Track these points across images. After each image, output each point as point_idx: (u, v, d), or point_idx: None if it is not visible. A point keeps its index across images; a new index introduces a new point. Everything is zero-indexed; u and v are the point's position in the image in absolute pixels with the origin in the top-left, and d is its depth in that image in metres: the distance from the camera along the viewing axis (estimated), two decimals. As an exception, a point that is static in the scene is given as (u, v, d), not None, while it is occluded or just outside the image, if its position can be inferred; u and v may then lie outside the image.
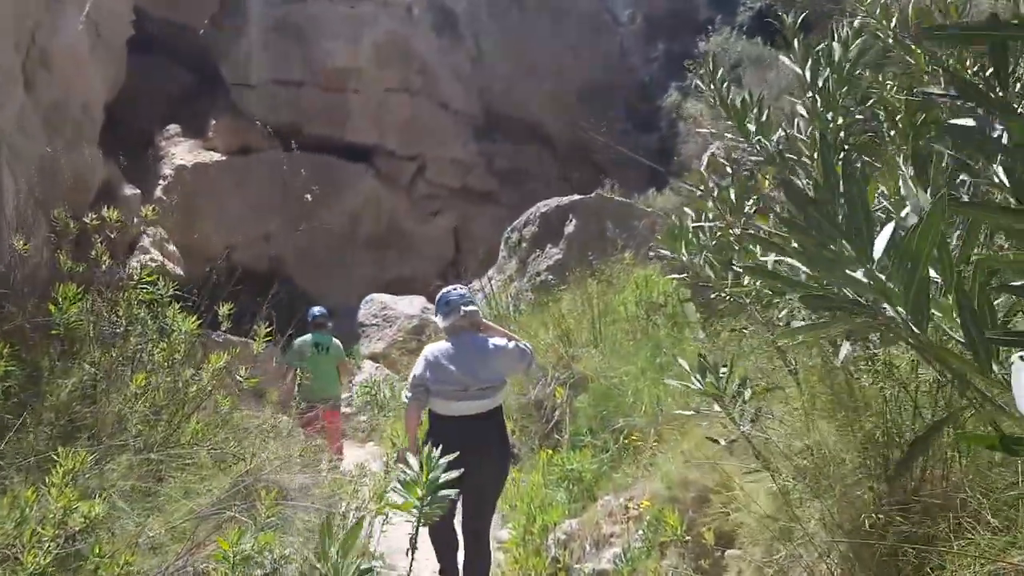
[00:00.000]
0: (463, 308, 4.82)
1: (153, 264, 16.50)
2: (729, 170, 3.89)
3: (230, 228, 18.15)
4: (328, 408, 8.75)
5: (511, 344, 4.78)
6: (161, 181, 18.38)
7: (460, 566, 4.70)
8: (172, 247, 17.54)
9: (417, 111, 20.28)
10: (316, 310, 9.44)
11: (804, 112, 3.14)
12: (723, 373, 2.91)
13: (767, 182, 2.85)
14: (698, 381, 2.84)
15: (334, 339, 9.20)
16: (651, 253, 7.07)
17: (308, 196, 18.77)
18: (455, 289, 5.05)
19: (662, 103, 20.93)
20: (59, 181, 11.22)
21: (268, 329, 5.22)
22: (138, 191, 17.34)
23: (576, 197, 9.82)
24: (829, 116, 3.08)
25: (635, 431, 5.29)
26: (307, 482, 4.25)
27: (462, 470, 2.98)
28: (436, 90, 20.52)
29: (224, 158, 18.78)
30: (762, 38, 17.57)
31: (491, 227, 18.41)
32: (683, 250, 3.26)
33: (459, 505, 4.67)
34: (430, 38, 20.50)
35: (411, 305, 14.11)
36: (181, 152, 18.96)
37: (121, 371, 4.15)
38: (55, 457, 3.02)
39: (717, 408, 2.94)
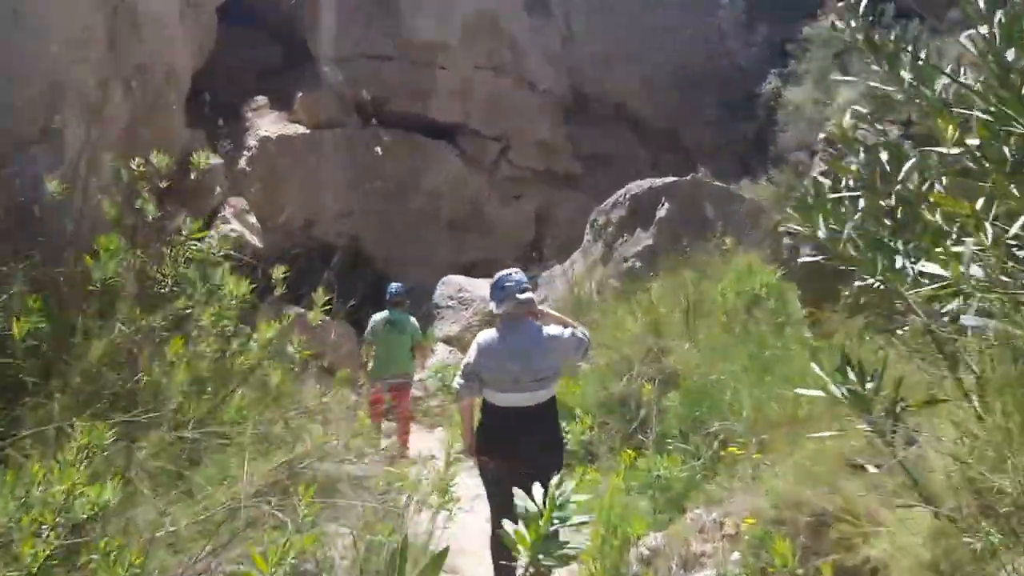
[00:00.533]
0: (518, 296, 4.62)
1: (233, 235, 16.45)
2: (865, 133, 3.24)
3: (312, 203, 18.00)
4: (397, 386, 8.53)
5: (567, 332, 4.66)
6: (245, 152, 18.29)
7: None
8: (253, 219, 17.45)
9: (504, 90, 19.79)
10: (394, 286, 9.21)
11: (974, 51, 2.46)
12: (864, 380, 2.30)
13: (949, 129, 2.18)
14: (839, 387, 2.24)
15: (411, 318, 8.97)
16: (775, 230, 6.39)
17: (390, 172, 18.51)
18: (512, 274, 4.79)
19: (760, 90, 19.91)
20: (138, 146, 11.09)
21: (329, 300, 4.67)
22: (221, 161, 17.31)
23: (670, 179, 9.16)
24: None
25: (733, 437, 4.68)
26: (360, 472, 3.78)
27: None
28: (524, 69, 19.98)
29: (308, 131, 18.61)
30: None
31: (574, 213, 17.82)
32: (820, 224, 2.64)
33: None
34: (520, 15, 19.96)
35: (487, 288, 13.65)
36: (266, 124, 18.87)
37: (163, 335, 3.73)
38: (69, 430, 2.61)
39: (864, 425, 2.32)
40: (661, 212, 8.63)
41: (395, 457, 9.14)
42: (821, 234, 2.43)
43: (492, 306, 4.87)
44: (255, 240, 16.79)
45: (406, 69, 19.06)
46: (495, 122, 19.67)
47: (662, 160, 18.96)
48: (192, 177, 6.16)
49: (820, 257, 2.75)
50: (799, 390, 2.49)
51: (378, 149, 18.69)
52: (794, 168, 17.29)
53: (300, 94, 19.33)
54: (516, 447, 4.36)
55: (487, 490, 4.69)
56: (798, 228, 2.60)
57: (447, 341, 12.77)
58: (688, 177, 9.12)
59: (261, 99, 19.56)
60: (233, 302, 3.97)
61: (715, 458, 4.62)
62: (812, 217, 2.53)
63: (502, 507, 4.28)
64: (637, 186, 9.23)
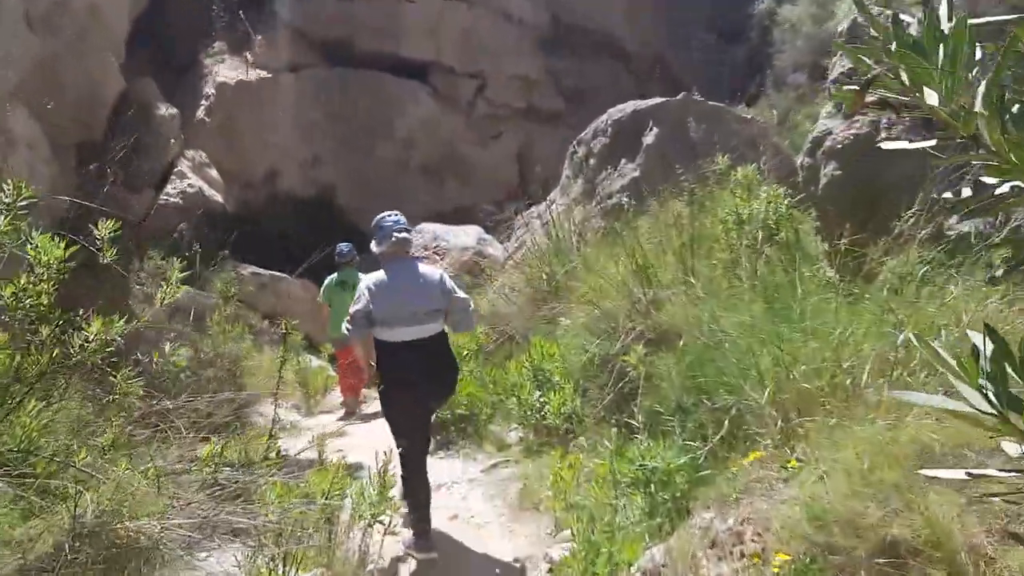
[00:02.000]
0: (395, 234, 4.88)
1: (191, 190, 15.28)
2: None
3: (276, 152, 16.78)
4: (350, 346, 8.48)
5: (439, 275, 4.91)
6: (203, 102, 17.02)
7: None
8: (214, 172, 16.23)
9: (478, 23, 18.42)
10: (343, 246, 9.57)
11: None
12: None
13: None
14: (988, 392, 1.14)
15: (359, 275, 8.66)
16: (829, 84, 5.24)
17: (359, 117, 17.23)
18: (390, 215, 5.07)
19: (752, 11, 18.57)
20: (57, 88, 9.88)
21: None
22: (175, 111, 15.99)
23: (657, 100, 7.95)
24: None
25: (748, 414, 3.63)
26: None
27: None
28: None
29: (270, 76, 17.30)
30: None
31: (558, 151, 16.55)
32: (936, 82, 1.50)
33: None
34: (492, -60, 18.51)
35: (466, 235, 12.52)
36: (224, 70, 17.55)
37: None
38: None
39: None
40: (648, 138, 7.48)
41: (351, 414, 8.75)
42: (933, 99, 1.31)
43: (373, 246, 4.97)
44: (216, 195, 15.59)
45: (372, 4, 17.65)
46: (470, 58, 18.34)
47: (650, 91, 17.45)
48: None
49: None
50: (908, 396, 1.37)
51: (345, 91, 17.38)
52: (793, 89, 16.18)
53: (259, 37, 17.99)
54: (417, 378, 4.63)
55: (393, 418, 4.83)
56: (887, 92, 1.45)
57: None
58: (678, 97, 7.94)
59: (219, 44, 18.23)
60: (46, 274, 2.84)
61: (726, 442, 3.56)
62: (921, 74, 1.38)
63: (412, 429, 4.70)
64: (620, 110, 8.02)
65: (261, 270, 12.19)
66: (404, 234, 4.91)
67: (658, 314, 4.53)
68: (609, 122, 7.96)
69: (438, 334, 4.76)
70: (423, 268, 4.92)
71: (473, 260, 11.39)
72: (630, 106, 7.96)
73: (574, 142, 8.82)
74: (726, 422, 3.68)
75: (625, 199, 7.03)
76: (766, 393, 3.54)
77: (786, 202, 5.04)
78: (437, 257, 12.29)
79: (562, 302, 5.93)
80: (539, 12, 18.97)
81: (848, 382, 3.42)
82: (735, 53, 19.00)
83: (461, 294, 4.83)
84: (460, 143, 18.10)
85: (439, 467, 5.60)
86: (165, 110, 15.68)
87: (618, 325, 4.71)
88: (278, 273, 12.84)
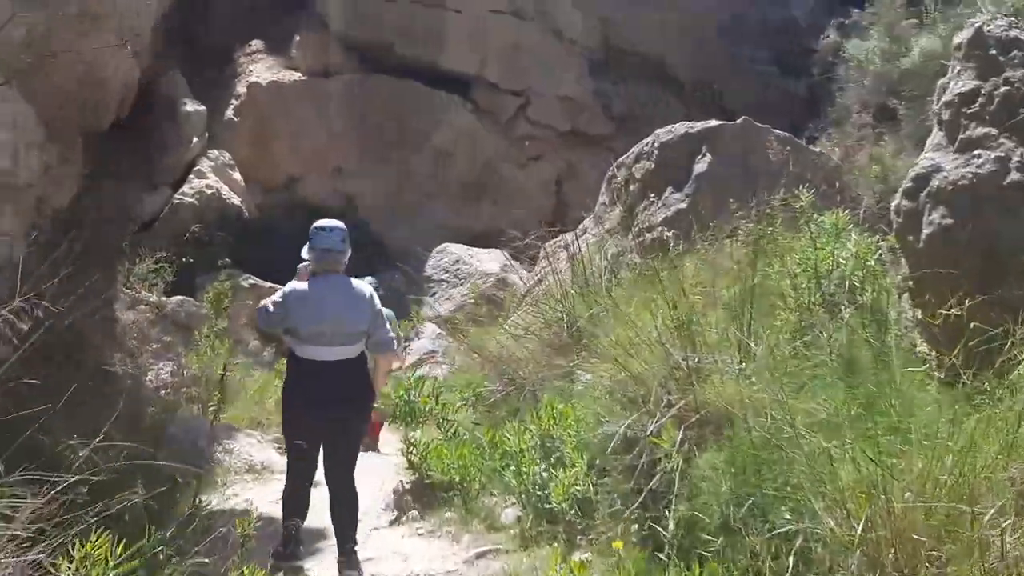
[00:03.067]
0: (321, 250, 4.64)
1: (208, 191, 14.50)
2: None
3: (301, 157, 15.98)
4: None
5: (370, 294, 4.71)
6: (233, 101, 16.29)
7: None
8: (236, 174, 15.45)
9: (525, 38, 17.52)
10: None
11: None
12: None
13: None
14: None
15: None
16: (939, 107, 4.15)
17: (393, 127, 16.39)
18: (325, 225, 4.85)
19: (817, 45, 17.46)
20: (53, 69, 9.09)
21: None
22: (202, 108, 15.25)
23: (712, 123, 6.88)
24: None
25: (820, 548, 2.57)
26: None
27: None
28: (549, 15, 17.68)
29: (303, 78, 16.55)
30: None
31: (601, 178, 15.62)
32: None
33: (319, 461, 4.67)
34: (546, -47, 17.64)
35: (490, 261, 11.56)
36: (259, 70, 16.85)
37: None
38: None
39: None
40: (700, 166, 6.43)
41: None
42: None
43: (305, 250, 4.78)
44: (235, 198, 14.79)
45: (414, 10, 16.86)
46: (514, 74, 17.44)
47: (700, 121, 16.60)
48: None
49: None
50: None
51: (380, 99, 16.56)
52: (857, 129, 15.03)
53: (298, 38, 17.29)
54: (324, 400, 4.49)
55: (288, 443, 4.72)
56: None
57: (438, 322, 10.71)
58: (738, 121, 6.87)
59: (257, 43, 17.58)
60: None
61: (791, 593, 2.49)
62: None
63: (304, 464, 4.62)
64: (669, 132, 6.96)
65: (261, 281, 11.27)
66: (329, 251, 4.65)
67: (703, 388, 3.47)
68: (656, 144, 6.93)
69: (357, 357, 4.63)
70: (355, 285, 4.72)
71: (494, 288, 10.40)
72: (681, 128, 6.92)
73: (614, 165, 7.80)
74: (789, 558, 2.61)
75: (668, 234, 6.00)
76: (851, 524, 2.48)
77: (876, 256, 3.96)
78: (457, 280, 11.32)
79: (583, 353, 4.88)
80: (591, 33, 18.03)
81: (975, 524, 2.35)
82: (795, 88, 17.91)
83: (386, 313, 4.85)
84: (497, 162, 17.17)
85: (415, 546, 4.59)
86: (191, 106, 14.96)
87: (650, 395, 3.65)
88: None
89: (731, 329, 3.82)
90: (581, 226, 7.64)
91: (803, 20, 18.52)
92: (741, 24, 17.97)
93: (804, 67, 17.72)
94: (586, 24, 17.94)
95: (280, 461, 6.74)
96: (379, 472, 6.13)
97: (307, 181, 15.95)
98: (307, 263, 4.70)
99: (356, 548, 4.46)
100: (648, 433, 3.49)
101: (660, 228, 6.17)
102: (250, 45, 17.57)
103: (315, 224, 4.86)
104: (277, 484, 5.98)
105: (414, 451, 5.13)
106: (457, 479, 4.83)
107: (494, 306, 8.49)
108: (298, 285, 4.66)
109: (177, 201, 14.01)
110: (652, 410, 3.62)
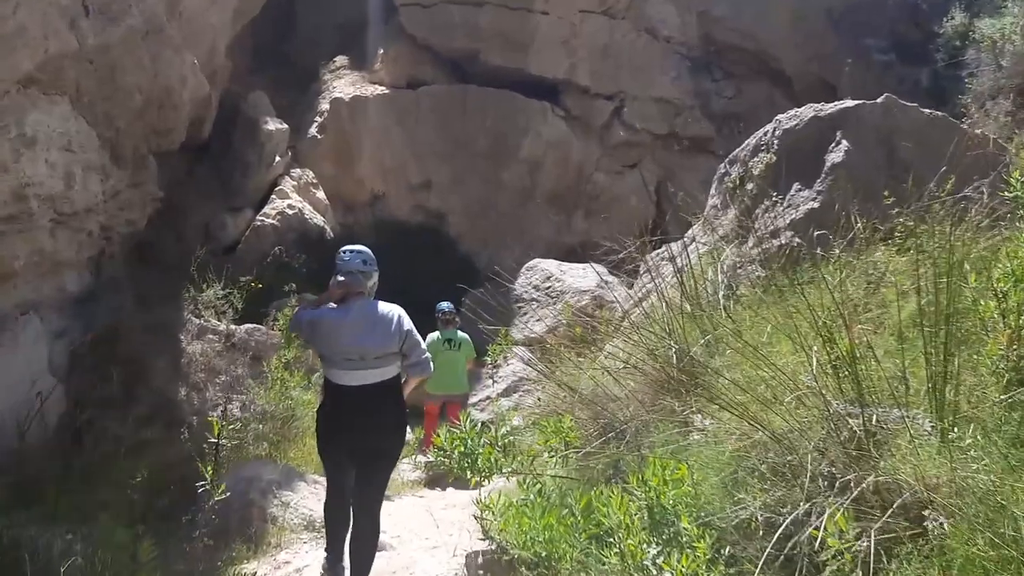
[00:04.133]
0: (338, 276, 4.69)
1: (290, 212, 13.97)
2: None
3: (384, 173, 15.35)
4: (452, 403, 8.78)
5: (398, 316, 4.62)
6: (317, 118, 15.83)
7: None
8: (320, 193, 14.92)
9: (618, 38, 16.50)
10: (443, 305, 9.29)
11: None
12: None
13: None
14: None
15: (461, 333, 9.11)
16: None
17: (480, 138, 15.60)
18: (348, 250, 4.84)
19: (940, 28, 15.80)
20: (114, 86, 8.55)
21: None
22: (284, 127, 14.80)
23: (847, 104, 5.68)
24: None
25: None
26: None
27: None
28: (643, 12, 16.62)
29: (387, 92, 15.95)
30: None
31: (703, 184, 14.39)
32: None
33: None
34: (637, -54, 16.58)
35: (584, 276, 10.55)
36: (342, 86, 16.36)
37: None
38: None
39: None
40: (834, 155, 5.27)
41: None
42: None
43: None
44: (317, 217, 14.24)
45: (500, 15, 16.05)
46: (607, 77, 16.43)
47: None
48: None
49: None
50: None
51: (467, 110, 15.81)
52: (993, 119, 13.39)
53: (382, 51, 16.75)
54: (350, 428, 4.52)
55: (322, 459, 4.85)
56: None
57: (529, 344, 9.75)
58: (878, 100, 5.66)
59: (341, 59, 17.16)
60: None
61: None
62: None
63: (336, 488, 4.72)
64: (793, 118, 5.78)
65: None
66: (349, 274, 4.67)
67: (882, 456, 2.39)
68: (777, 133, 5.79)
69: (386, 381, 4.55)
70: (380, 308, 4.64)
71: (589, 307, 9.39)
72: (808, 112, 5.76)
73: (725, 161, 6.68)
74: None
75: (797, 240, 4.89)
76: None
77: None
78: (549, 299, 10.35)
79: (697, 394, 3.84)
80: (689, 29, 16.86)
81: None
82: (916, 77, 16.27)
83: (418, 337, 4.63)
84: (591, 171, 16.17)
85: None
86: (273, 125, 14.51)
87: (802, 464, 2.58)
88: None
89: (914, 369, 2.71)
90: (689, 234, 6.55)
91: (924, 2, 16.90)
92: (855, 10, 16.47)
93: (927, 54, 16.09)
94: (682, 20, 16.80)
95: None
96: (450, 522, 5.23)
97: (392, 197, 15.31)
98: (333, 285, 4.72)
99: (341, 550, 4.61)
100: (799, 510, 2.43)
101: (787, 233, 5.05)
102: (334, 61, 17.16)
103: (340, 250, 4.86)
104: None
105: (489, 516, 4.19)
106: (543, 555, 3.82)
107: (590, 328, 7.45)
108: (316, 310, 4.75)
109: (259, 223, 13.54)
110: (807, 486, 2.55)
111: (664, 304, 5.03)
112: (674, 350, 4.37)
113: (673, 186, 15.70)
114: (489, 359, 9.22)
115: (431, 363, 4.73)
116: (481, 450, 4.43)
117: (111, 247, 9.48)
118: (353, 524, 4.54)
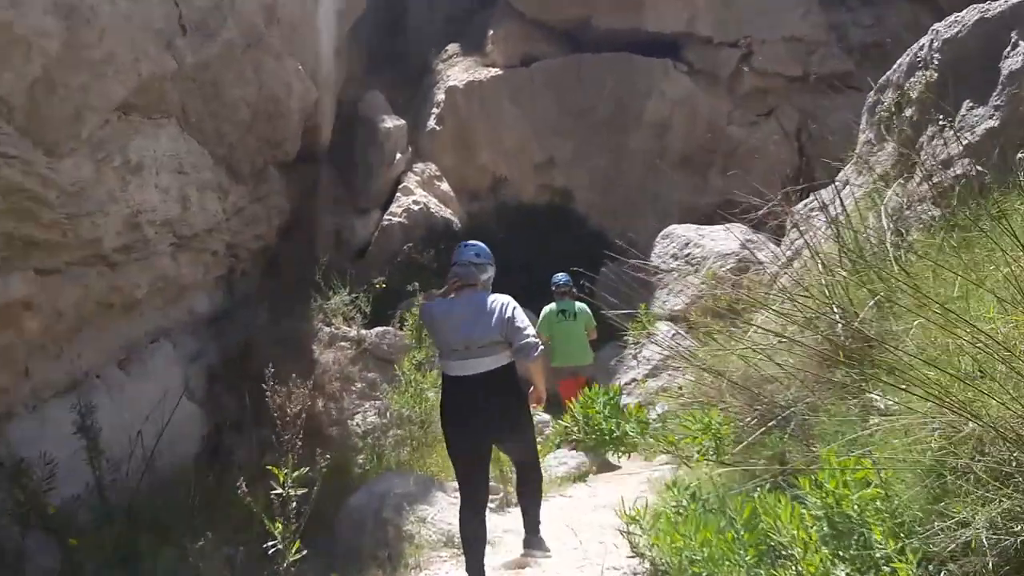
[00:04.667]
0: (451, 268, 4.82)
1: (415, 207, 13.78)
2: None
3: (505, 157, 14.92)
4: (577, 375, 8.71)
5: (510, 306, 4.58)
6: (434, 110, 15.59)
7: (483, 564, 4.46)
8: (444, 185, 14.68)
9: (738, -22, 15.36)
10: (558, 277, 9.04)
11: None
12: None
13: None
14: None
15: (578, 304, 8.81)
16: None
17: (600, 107, 14.92)
18: (460, 247, 4.94)
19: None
20: (219, 102, 8.45)
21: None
22: (402, 123, 14.64)
23: (1020, -1, 4.73)
24: None
25: None
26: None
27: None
28: (762, -53, 15.39)
29: (501, 72, 15.52)
30: None
31: (847, 123, 13.12)
32: None
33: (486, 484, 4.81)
34: None
35: (726, 239, 9.74)
36: (456, 73, 16.04)
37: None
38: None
39: None
40: (1012, 61, 4.31)
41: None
42: None
43: None
44: (444, 210, 13.99)
45: (610, -27, 15.23)
46: (730, 23, 15.32)
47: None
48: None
49: None
50: None
51: (584, 79, 15.14)
52: None
53: (492, 32, 16.31)
54: (465, 419, 4.56)
55: (450, 455, 4.80)
56: None
57: (672, 319, 9.08)
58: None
59: (453, 47, 16.86)
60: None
61: None
62: None
63: (470, 489, 4.62)
64: (953, 24, 4.76)
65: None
66: (461, 266, 4.78)
67: None
68: (935, 46, 4.86)
69: (496, 370, 4.53)
70: (489, 299, 4.66)
71: (736, 271, 8.61)
72: (971, 15, 4.78)
73: (875, 88, 5.78)
74: None
75: (977, 168, 4.05)
76: None
77: None
78: (689, 267, 9.62)
79: (872, 370, 3.15)
80: (814, -43, 15.52)
81: None
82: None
83: (521, 323, 4.49)
84: (724, 124, 15.15)
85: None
86: (390, 122, 14.37)
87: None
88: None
89: None
90: (840, 176, 5.73)
91: None
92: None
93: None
94: (806, -52, 15.46)
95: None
96: (600, 527, 4.71)
97: (515, 180, 14.88)
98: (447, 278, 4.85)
99: (539, 525, 4.77)
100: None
101: (962, 161, 4.19)
102: (446, 50, 16.89)
103: (460, 243, 5.00)
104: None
105: (636, 528, 3.64)
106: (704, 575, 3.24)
107: (736, 296, 6.73)
108: (432, 303, 4.93)
109: (387, 222, 13.42)
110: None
111: (819, 261, 4.31)
112: (838, 313, 3.68)
113: (815, 130, 14.54)
114: (631, 339, 8.64)
115: (538, 345, 4.59)
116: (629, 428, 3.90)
117: (241, 264, 9.48)
118: (516, 473, 4.96)
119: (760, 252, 9.26)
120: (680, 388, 4.82)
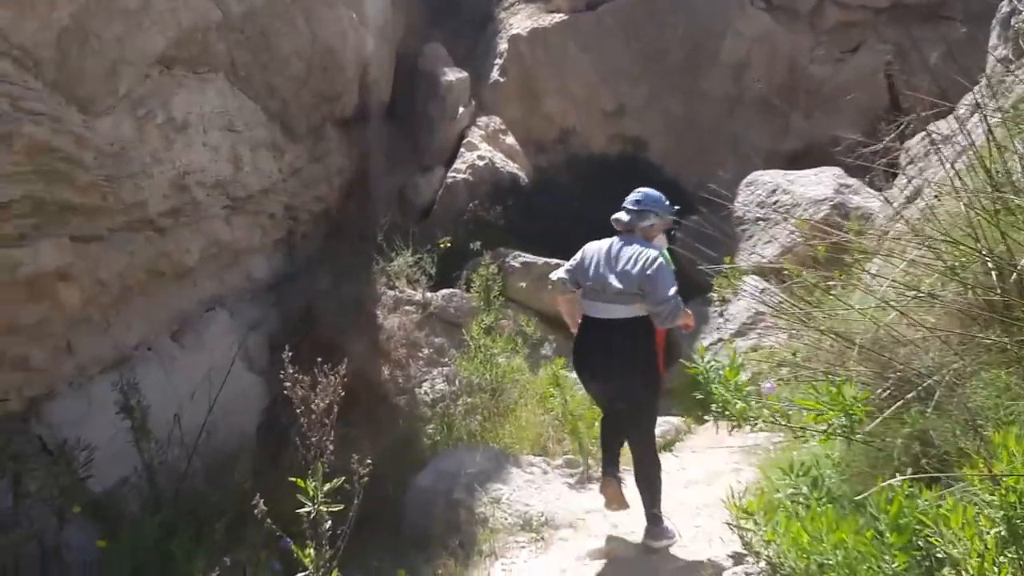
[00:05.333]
0: (619, 214, 4.86)
1: (480, 163, 13.22)
2: None
3: (573, 106, 14.21)
4: None
5: (653, 256, 4.52)
6: (497, 60, 14.92)
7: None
8: (510, 139, 14.05)
9: (818, -97, 14.24)
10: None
11: None
12: None
13: None
14: None
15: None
16: None
17: (673, 49, 14.08)
18: (637, 191, 4.99)
19: None
20: (271, 55, 8.00)
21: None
22: (464, 75, 14.02)
23: None
24: None
25: None
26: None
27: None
28: None
29: (566, 17, 14.74)
30: None
31: (943, 55, 12.03)
32: None
33: None
34: None
35: (818, 183, 8.97)
36: (518, 21, 15.31)
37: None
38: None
39: None
40: None
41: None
42: None
43: None
44: (510, 164, 13.40)
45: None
46: (811, -49, 14.24)
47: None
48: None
49: None
50: None
51: (654, 21, 14.29)
52: None
53: (551, -25, 15.51)
54: (594, 360, 4.65)
55: (585, 387, 4.98)
56: None
57: (760, 272, 8.39)
58: None
59: (514, -7, 16.08)
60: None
61: None
62: None
63: (602, 404, 4.90)
64: None
65: (534, 258, 9.59)
66: (623, 210, 4.84)
67: None
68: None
69: (631, 319, 4.50)
70: (638, 247, 4.61)
71: (831, 219, 7.88)
72: None
73: (1010, -4, 5.01)
74: None
75: None
76: None
77: None
78: (778, 216, 8.89)
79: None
80: None
81: None
82: None
83: (661, 283, 4.35)
84: (806, 63, 14.15)
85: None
86: (452, 75, 13.77)
87: None
88: (559, 261, 10.21)
89: None
90: (963, 102, 4.99)
91: None
92: None
93: None
94: None
95: (571, 510, 4.95)
96: (695, 509, 4.18)
97: (584, 130, 14.18)
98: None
99: (658, 514, 4.49)
100: None
101: None
102: (507, -1, 16.15)
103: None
104: (560, 550, 4.22)
105: (753, 526, 3.08)
106: (830, 581, 2.67)
107: (836, 246, 6.04)
108: (596, 243, 4.84)
109: (451, 179, 12.89)
110: None
111: (953, 200, 3.64)
112: (990, 261, 3.03)
113: (908, 65, 13.44)
114: (715, 296, 8.00)
115: (674, 314, 4.40)
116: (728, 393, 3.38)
117: (301, 227, 9.09)
118: (632, 460, 4.68)
119: (856, 196, 8.49)
120: (791, 351, 4.18)
